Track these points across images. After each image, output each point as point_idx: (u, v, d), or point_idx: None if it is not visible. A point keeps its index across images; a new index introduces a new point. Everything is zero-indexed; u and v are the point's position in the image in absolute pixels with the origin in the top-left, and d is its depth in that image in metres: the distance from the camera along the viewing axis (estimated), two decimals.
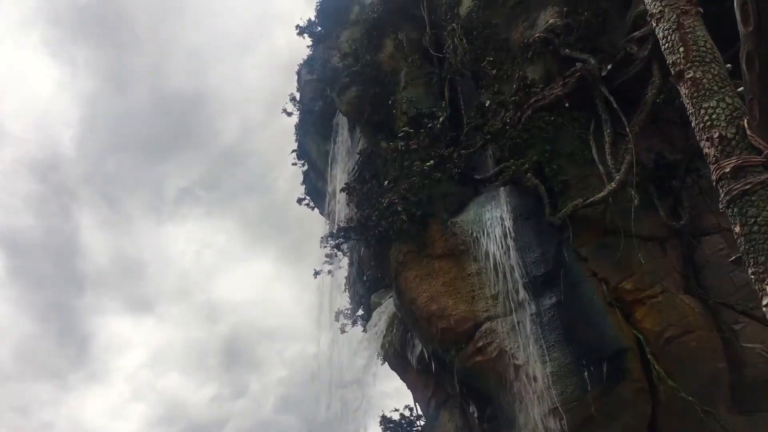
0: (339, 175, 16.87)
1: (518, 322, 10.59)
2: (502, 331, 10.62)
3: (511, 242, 11.17)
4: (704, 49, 3.76)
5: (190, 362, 60.02)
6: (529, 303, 10.61)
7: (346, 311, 17.15)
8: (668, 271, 10.42)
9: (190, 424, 54.48)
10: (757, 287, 3.29)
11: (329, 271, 17.31)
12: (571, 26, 12.13)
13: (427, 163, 12.71)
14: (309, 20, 20.21)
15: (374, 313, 14.45)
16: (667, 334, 9.79)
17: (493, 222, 11.55)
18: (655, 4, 4.13)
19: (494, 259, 11.17)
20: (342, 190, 14.93)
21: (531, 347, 10.27)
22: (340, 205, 16.11)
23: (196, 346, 60.05)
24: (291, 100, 20.57)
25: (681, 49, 3.77)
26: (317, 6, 20.00)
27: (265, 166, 60.81)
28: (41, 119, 64.79)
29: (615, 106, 11.09)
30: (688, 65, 3.72)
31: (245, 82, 62.81)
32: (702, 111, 3.63)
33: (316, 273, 17.25)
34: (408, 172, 12.78)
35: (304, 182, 20.80)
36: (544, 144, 11.62)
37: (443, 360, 11.56)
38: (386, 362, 15.25)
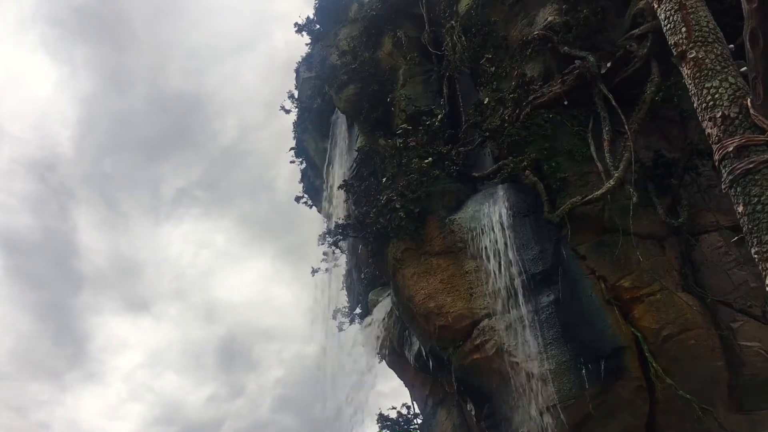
0: (337, 173, 16.81)
1: (516, 320, 10.55)
2: (499, 328, 10.58)
3: (509, 240, 11.13)
4: (707, 29, 3.72)
5: (188, 362, 59.94)
6: (526, 300, 10.56)
7: (344, 309, 17.09)
8: (667, 269, 10.38)
9: (187, 424, 54.35)
10: (760, 267, 3.23)
11: (327, 269, 17.27)
12: (570, 24, 12.12)
13: (426, 161, 12.68)
14: (308, 18, 20.20)
15: (373, 311, 14.37)
16: (666, 332, 9.76)
17: (491, 219, 11.51)
18: None
19: (492, 256, 11.13)
20: (340, 187, 14.89)
21: (529, 345, 10.23)
22: (338, 202, 16.05)
23: (193, 346, 59.94)
24: (289, 97, 20.55)
25: (683, 29, 3.72)
26: (316, 4, 19.98)
27: (263, 167, 60.92)
28: (39, 119, 64.87)
29: (614, 103, 11.08)
30: (691, 45, 3.67)
31: (244, 83, 62.90)
32: (704, 91, 3.58)
33: (314, 271, 17.22)
34: (406, 169, 12.75)
35: (302, 180, 20.76)
36: (542, 141, 11.58)
37: (441, 358, 11.51)
38: (384, 360, 15.19)
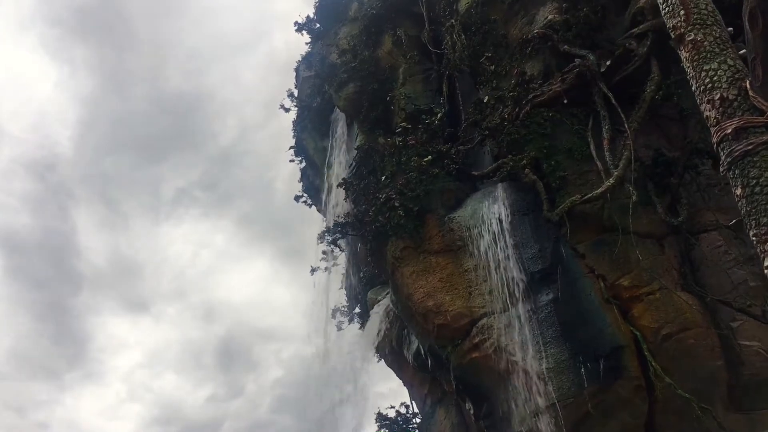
0: (336, 171, 16.79)
1: (515, 318, 10.51)
2: (498, 327, 10.54)
3: (508, 238, 11.10)
4: (705, 11, 3.68)
5: (187, 362, 59.87)
6: (525, 299, 10.53)
7: (343, 308, 17.05)
8: (666, 268, 10.34)
9: (187, 424, 54.30)
10: (758, 249, 3.19)
11: (326, 269, 17.23)
12: (570, 22, 12.10)
13: (425, 159, 12.66)
14: (308, 17, 20.17)
15: (372, 310, 14.32)
16: (665, 332, 9.72)
17: (490, 218, 11.48)
18: None
19: (491, 255, 11.09)
20: (339, 185, 14.86)
21: (528, 344, 10.19)
22: (337, 200, 16.01)
23: (192, 347, 59.85)
24: (289, 96, 20.52)
25: (681, 12, 3.69)
26: (316, 3, 19.96)
27: (263, 167, 60.87)
28: (39, 119, 64.74)
29: (614, 102, 11.05)
30: (689, 28, 3.64)
31: (243, 83, 62.80)
32: (703, 74, 3.55)
33: (313, 270, 17.17)
34: (405, 167, 12.73)
35: (301, 179, 20.71)
36: (542, 140, 11.55)
37: (439, 356, 11.47)
38: (382, 359, 15.14)
